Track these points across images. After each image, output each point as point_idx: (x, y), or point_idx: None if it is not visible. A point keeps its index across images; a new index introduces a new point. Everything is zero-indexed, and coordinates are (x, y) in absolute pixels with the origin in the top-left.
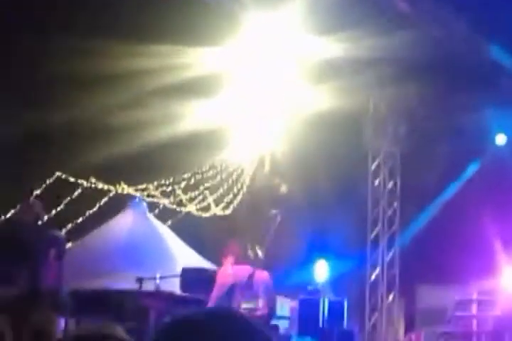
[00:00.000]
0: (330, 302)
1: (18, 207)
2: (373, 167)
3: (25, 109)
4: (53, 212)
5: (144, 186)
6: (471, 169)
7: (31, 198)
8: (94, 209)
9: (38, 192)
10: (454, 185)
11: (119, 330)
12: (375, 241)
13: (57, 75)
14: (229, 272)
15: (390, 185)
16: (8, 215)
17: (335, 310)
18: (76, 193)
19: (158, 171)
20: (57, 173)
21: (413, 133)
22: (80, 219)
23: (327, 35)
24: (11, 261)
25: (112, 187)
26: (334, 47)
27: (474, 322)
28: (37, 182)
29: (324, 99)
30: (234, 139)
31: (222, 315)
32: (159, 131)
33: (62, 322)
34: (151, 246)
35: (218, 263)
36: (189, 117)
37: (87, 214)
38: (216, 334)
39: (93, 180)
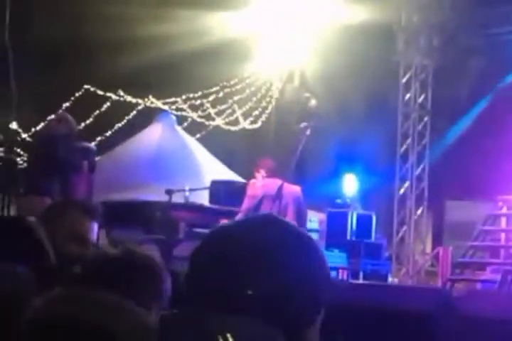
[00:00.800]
0: (358, 216)
1: (50, 120)
2: (404, 80)
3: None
4: (82, 125)
5: (172, 99)
6: (504, 83)
7: (62, 111)
8: (123, 122)
9: (66, 104)
10: (486, 99)
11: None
12: (405, 156)
13: None
14: (259, 184)
15: (421, 98)
16: (40, 128)
17: (363, 223)
18: (105, 106)
19: (187, 84)
20: (86, 86)
21: (446, 45)
22: (109, 133)
23: None
24: (45, 174)
25: (140, 101)
26: None
27: (503, 236)
28: (65, 95)
29: (355, 11)
30: (263, 52)
31: (264, 222)
32: (188, 43)
33: (95, 227)
34: (180, 159)
35: (247, 176)
36: (218, 29)
37: (116, 127)
38: (265, 238)
39: (122, 93)
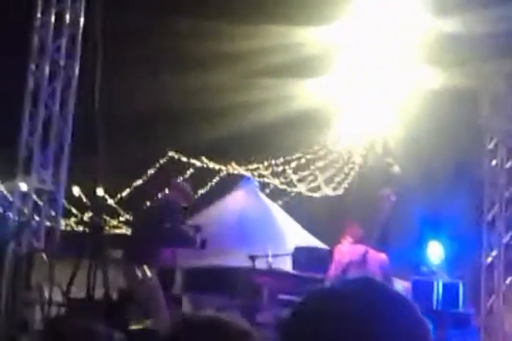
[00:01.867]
0: (444, 284)
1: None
2: (490, 146)
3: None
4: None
5: (254, 166)
6: None
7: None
8: (206, 188)
9: (151, 171)
10: None
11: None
12: (492, 223)
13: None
14: (346, 250)
15: (509, 164)
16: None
17: (450, 292)
18: (188, 173)
19: (269, 151)
20: (170, 153)
21: None
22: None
23: (444, 13)
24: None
25: (223, 167)
26: (451, 21)
27: None
28: (150, 162)
29: (439, 77)
30: (345, 119)
31: (363, 283)
32: (269, 111)
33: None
34: (263, 225)
35: (329, 243)
36: (300, 97)
37: (199, 193)
38: (362, 301)
39: (205, 159)
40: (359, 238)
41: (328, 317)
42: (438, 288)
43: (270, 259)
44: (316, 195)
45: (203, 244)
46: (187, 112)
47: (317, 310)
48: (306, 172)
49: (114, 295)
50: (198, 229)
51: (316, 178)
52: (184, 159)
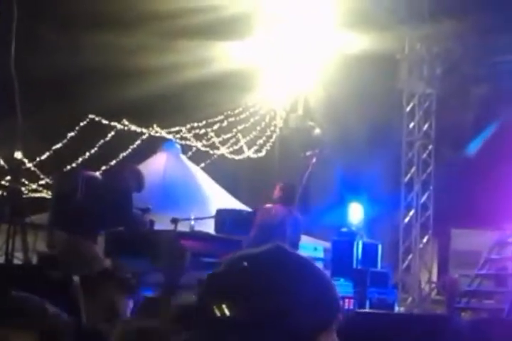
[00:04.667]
0: (364, 244)
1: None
2: (408, 109)
3: (57, 51)
4: (87, 154)
5: (176, 129)
6: (507, 111)
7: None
8: (128, 151)
9: (71, 134)
10: (490, 127)
11: None
12: (410, 184)
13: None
14: (268, 212)
15: (425, 127)
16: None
17: (369, 251)
18: (109, 136)
19: (191, 114)
20: (91, 115)
21: (449, 74)
22: (114, 162)
23: None
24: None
25: (144, 130)
26: None
27: (510, 264)
28: (70, 125)
29: (359, 41)
30: (267, 82)
31: (274, 250)
32: (192, 73)
33: (131, 303)
34: (185, 188)
35: (252, 204)
36: (222, 59)
37: (121, 156)
38: (273, 271)
39: (126, 122)
40: (280, 199)
41: (242, 282)
42: (358, 248)
43: (193, 222)
44: (239, 157)
45: (151, 225)
46: (107, 74)
47: (231, 273)
48: (228, 135)
49: (35, 259)
50: (147, 210)
51: (238, 141)
52: (105, 122)
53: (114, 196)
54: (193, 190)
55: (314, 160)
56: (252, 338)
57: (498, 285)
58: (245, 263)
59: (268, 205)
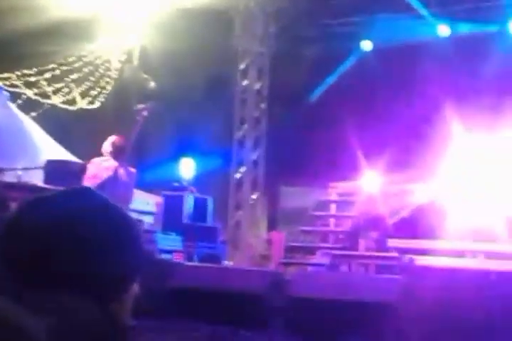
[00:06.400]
0: (195, 199)
1: None
2: (242, 67)
3: None
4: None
5: (5, 75)
6: (337, 73)
7: None
8: None
9: None
10: (320, 88)
11: None
12: (242, 141)
13: None
14: (99, 165)
15: (259, 85)
16: None
17: (199, 206)
18: None
19: (22, 60)
20: None
21: (282, 34)
22: None
23: None
24: None
25: None
26: None
27: (332, 221)
28: None
29: None
30: (103, 32)
31: (77, 192)
32: (23, 19)
33: None
34: (12, 137)
35: (84, 156)
36: (55, 6)
37: None
38: (70, 209)
39: None
40: (112, 153)
41: (38, 219)
42: (188, 203)
43: (20, 172)
44: (71, 108)
45: None
46: None
47: (29, 215)
48: (60, 84)
49: None
50: None
51: (71, 91)
52: None
53: None
54: (21, 139)
55: (146, 113)
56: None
57: (321, 241)
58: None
59: (99, 158)
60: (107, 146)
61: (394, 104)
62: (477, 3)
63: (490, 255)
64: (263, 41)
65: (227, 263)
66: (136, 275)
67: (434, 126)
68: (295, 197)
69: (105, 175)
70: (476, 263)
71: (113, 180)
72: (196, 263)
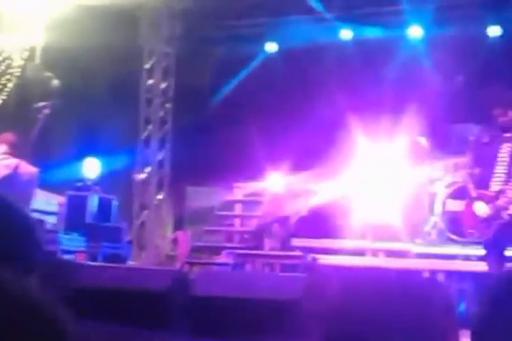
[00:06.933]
0: (99, 199)
1: None
2: (148, 66)
3: None
4: None
5: None
6: (242, 74)
7: None
8: None
9: None
10: (226, 89)
11: None
12: (147, 141)
13: None
14: (0, 163)
15: (164, 85)
16: None
17: (104, 206)
18: None
19: None
20: None
21: (188, 34)
22: None
23: None
24: None
25: None
26: None
27: (237, 221)
28: None
29: None
30: (3, 27)
31: None
32: None
33: None
34: None
35: None
36: None
37: None
38: None
39: None
40: (12, 152)
41: None
42: (92, 203)
43: None
44: None
45: None
46: None
47: None
48: None
49: None
50: None
51: None
52: None
53: None
54: None
55: (47, 111)
56: None
57: (226, 241)
58: None
59: None
60: (6, 145)
61: (299, 106)
62: (379, 7)
63: (389, 253)
64: (169, 41)
65: (131, 263)
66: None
67: (338, 129)
68: (201, 197)
69: (4, 172)
70: (376, 261)
71: (12, 178)
72: (99, 263)
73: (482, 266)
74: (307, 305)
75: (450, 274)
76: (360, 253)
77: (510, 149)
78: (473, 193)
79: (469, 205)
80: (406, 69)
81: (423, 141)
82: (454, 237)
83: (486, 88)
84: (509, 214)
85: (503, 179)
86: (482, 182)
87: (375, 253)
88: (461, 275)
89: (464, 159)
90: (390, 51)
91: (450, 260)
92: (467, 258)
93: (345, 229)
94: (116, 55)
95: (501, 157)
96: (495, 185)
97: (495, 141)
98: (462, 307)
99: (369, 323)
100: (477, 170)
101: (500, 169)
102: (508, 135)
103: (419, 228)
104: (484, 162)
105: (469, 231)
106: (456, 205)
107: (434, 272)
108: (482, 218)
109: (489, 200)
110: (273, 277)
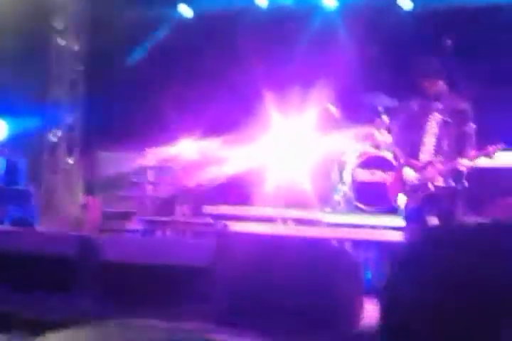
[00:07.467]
0: (7, 161)
1: None
2: (59, 27)
3: None
4: None
5: None
6: (155, 37)
7: None
8: None
9: None
10: (139, 52)
11: None
12: (57, 103)
13: None
14: None
15: (75, 47)
16: None
17: (11, 169)
18: None
19: None
20: None
21: None
22: None
23: None
24: None
25: None
26: None
27: (149, 187)
28: None
29: None
30: None
31: None
32: None
33: None
34: None
35: None
36: None
37: None
38: None
39: None
40: None
41: None
42: (0, 166)
43: None
44: None
45: None
46: None
47: None
48: None
49: None
50: None
51: None
52: None
53: None
54: None
55: None
56: None
57: (138, 207)
58: None
59: None
60: None
61: (214, 73)
62: None
63: (299, 221)
64: (81, 1)
65: (39, 227)
66: None
67: (253, 96)
68: (113, 162)
69: None
70: (286, 229)
71: None
72: (6, 227)
73: (389, 236)
74: (216, 270)
75: (357, 243)
76: (271, 220)
77: (439, 120)
78: (402, 160)
79: (398, 171)
80: (320, 39)
81: (333, 109)
82: (362, 206)
83: (412, 58)
84: (435, 186)
85: (432, 150)
86: (410, 150)
87: (285, 221)
88: (367, 244)
89: (371, 128)
90: (305, 20)
91: (357, 229)
92: (374, 227)
93: (259, 196)
94: (26, 14)
95: (430, 127)
96: (424, 156)
97: (424, 111)
98: (368, 275)
99: (273, 288)
100: (404, 137)
101: (429, 139)
102: (437, 105)
103: (327, 197)
104: (412, 131)
105: (394, 197)
106: (366, 175)
107: (341, 241)
108: (408, 186)
109: (418, 169)
110: (181, 243)
